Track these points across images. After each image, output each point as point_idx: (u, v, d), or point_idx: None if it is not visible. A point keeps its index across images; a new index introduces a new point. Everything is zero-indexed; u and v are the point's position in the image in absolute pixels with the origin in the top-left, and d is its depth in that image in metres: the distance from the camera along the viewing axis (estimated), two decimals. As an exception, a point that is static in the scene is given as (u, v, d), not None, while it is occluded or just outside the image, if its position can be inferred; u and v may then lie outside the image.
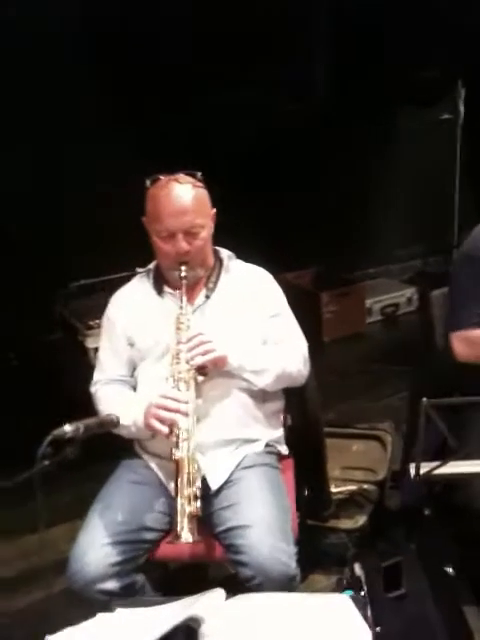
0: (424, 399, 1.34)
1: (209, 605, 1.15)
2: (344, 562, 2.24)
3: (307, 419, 2.10)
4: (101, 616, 1.24)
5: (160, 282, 1.97)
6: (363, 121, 3.99)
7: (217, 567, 2.27)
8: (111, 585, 1.68)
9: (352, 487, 2.47)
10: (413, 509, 2.34)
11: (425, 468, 1.37)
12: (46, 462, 1.25)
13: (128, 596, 1.72)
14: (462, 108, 4.68)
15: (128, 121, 3.48)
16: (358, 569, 2.16)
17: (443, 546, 2.06)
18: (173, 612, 1.15)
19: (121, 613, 1.25)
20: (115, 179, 3.31)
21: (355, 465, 2.61)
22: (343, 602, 1.22)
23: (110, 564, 1.69)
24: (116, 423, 1.63)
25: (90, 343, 3.10)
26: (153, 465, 1.90)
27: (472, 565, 1.90)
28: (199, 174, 1.91)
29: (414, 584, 2.05)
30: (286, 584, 1.62)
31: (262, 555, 1.62)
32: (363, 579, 2.05)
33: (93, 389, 1.99)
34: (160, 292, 1.96)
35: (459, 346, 2.05)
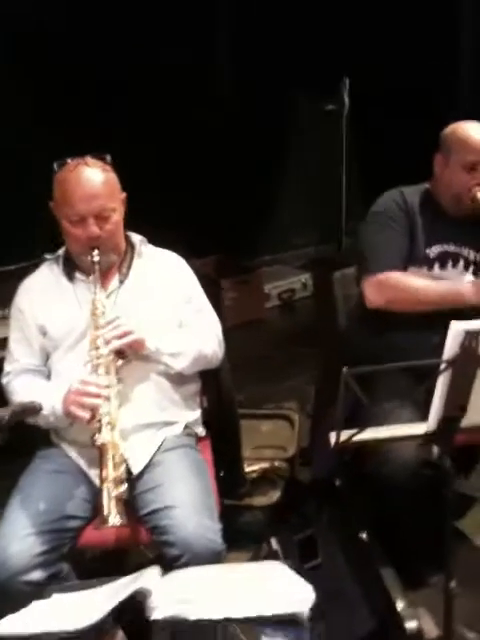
0: (344, 368, 1.40)
1: (151, 580, 1.16)
2: (260, 539, 2.32)
3: (222, 400, 2.14)
4: (39, 603, 1.22)
5: (71, 268, 1.94)
6: (261, 112, 4.08)
7: (135, 554, 2.28)
8: (36, 575, 1.65)
9: (264, 465, 2.54)
10: (324, 482, 2.44)
11: (344, 436, 1.44)
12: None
13: (54, 584, 1.70)
14: (347, 99, 4.85)
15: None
16: (274, 544, 2.23)
17: (355, 514, 2.17)
18: (115, 590, 1.16)
19: (58, 598, 1.24)
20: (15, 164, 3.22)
21: (265, 444, 2.68)
22: (277, 566, 1.27)
23: (34, 554, 1.65)
24: (39, 409, 1.60)
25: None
26: (72, 453, 1.87)
27: (385, 529, 2.01)
28: (108, 157, 1.90)
29: (329, 553, 2.15)
30: (213, 560, 1.64)
31: (188, 533, 1.64)
32: (280, 553, 2.14)
33: (4, 380, 1.94)
34: (71, 278, 1.93)
35: (371, 290, 2.12)
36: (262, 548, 2.26)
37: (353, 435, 1.44)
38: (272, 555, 2.12)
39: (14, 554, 1.64)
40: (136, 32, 3.69)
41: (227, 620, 0.99)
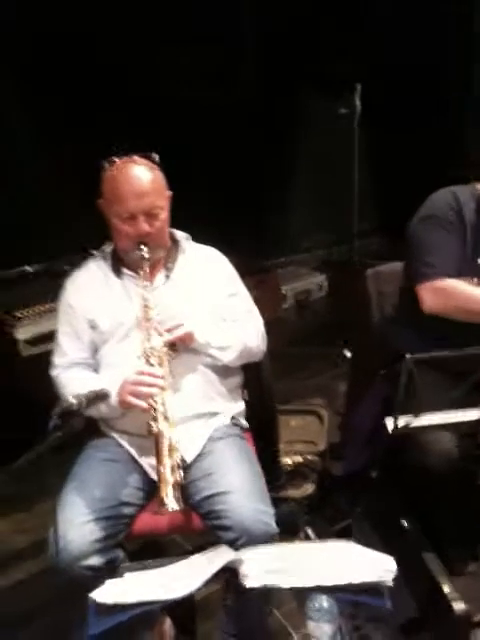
0: (407, 355, 1.45)
1: (229, 554, 1.21)
2: (296, 530, 2.37)
3: (262, 393, 2.19)
4: (113, 582, 1.27)
5: (118, 264, 1.99)
6: (278, 115, 4.15)
7: (173, 546, 2.32)
8: (95, 561, 1.69)
9: (298, 458, 2.59)
10: (356, 475, 2.50)
11: (402, 421, 1.49)
12: (59, 433, 1.26)
13: (111, 571, 1.74)
14: (358, 103, 4.91)
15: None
16: (311, 534, 2.29)
17: (395, 504, 2.22)
18: (199, 564, 1.20)
19: (133, 576, 1.29)
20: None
21: (296, 439, 2.73)
22: (349, 544, 1.32)
23: (93, 540, 1.70)
24: (108, 396, 1.65)
25: (20, 334, 3.04)
26: (124, 442, 1.92)
27: (427, 518, 2.06)
28: (156, 156, 1.96)
29: (366, 543, 2.21)
30: (269, 543, 1.70)
31: (245, 517, 1.69)
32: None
33: (54, 373, 1.98)
34: (119, 274, 1.98)
35: (429, 296, 2.10)
36: (299, 538, 2.32)
37: (409, 421, 1.49)
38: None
39: (73, 540, 1.68)
40: (155, 32, 3.75)
41: (319, 588, 1.04)
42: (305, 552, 1.24)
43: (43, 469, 1.50)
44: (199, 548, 1.94)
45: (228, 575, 1.12)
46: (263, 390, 2.18)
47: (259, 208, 4.42)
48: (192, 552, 1.82)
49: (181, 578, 1.15)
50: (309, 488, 2.53)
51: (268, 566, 1.12)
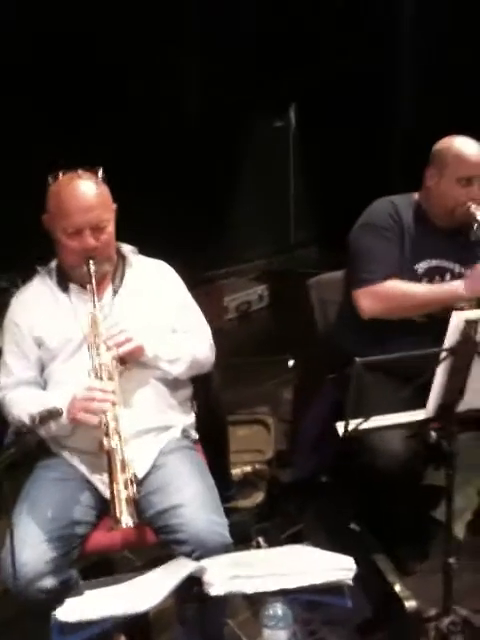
0: (356, 359, 1.49)
1: (189, 565, 1.21)
2: (248, 539, 2.38)
3: (211, 404, 2.20)
4: (74, 600, 1.25)
5: (64, 280, 1.98)
6: (219, 130, 4.20)
7: (121, 563, 2.30)
8: (49, 582, 1.67)
9: (246, 468, 2.61)
10: (305, 481, 2.54)
11: (352, 425, 1.53)
12: (12, 451, 1.24)
13: (65, 591, 1.72)
14: (293, 117, 5.03)
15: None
16: (263, 543, 2.31)
17: (345, 507, 2.27)
18: (161, 576, 1.21)
19: (93, 594, 1.28)
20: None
21: (243, 448, 2.75)
22: (305, 547, 1.34)
23: (46, 561, 1.68)
24: (61, 413, 1.64)
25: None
26: (74, 461, 1.90)
27: (377, 519, 2.11)
28: (100, 170, 1.95)
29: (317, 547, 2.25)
30: (226, 552, 1.71)
31: (199, 529, 1.70)
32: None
33: (0, 394, 1.95)
34: (65, 290, 1.97)
35: (366, 301, 2.17)
36: (251, 547, 2.34)
37: (359, 424, 1.53)
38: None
39: (27, 562, 1.65)
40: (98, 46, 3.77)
41: (282, 591, 1.05)
42: (265, 558, 1.25)
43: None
44: (149, 563, 1.94)
45: (191, 584, 1.12)
46: (212, 401, 2.20)
47: (199, 220, 4.43)
48: (143, 567, 1.82)
49: (143, 591, 1.15)
50: (259, 497, 2.55)
51: (230, 573, 1.13)
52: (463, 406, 1.55)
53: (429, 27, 4.34)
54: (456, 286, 2.15)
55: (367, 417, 1.55)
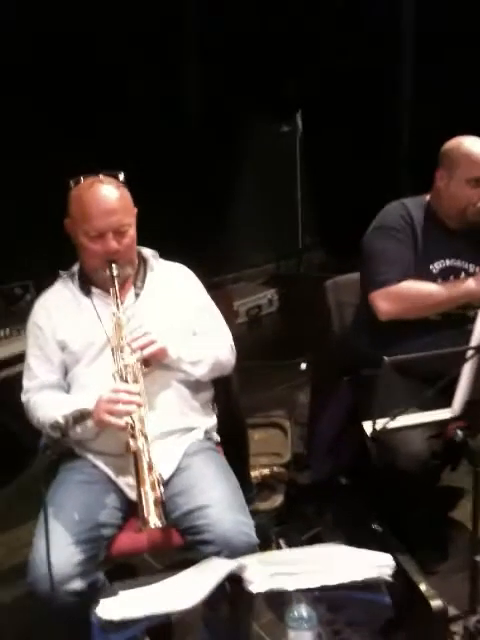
0: (385, 358, 1.50)
1: (227, 563, 1.22)
2: (268, 541, 2.39)
3: (231, 407, 2.21)
4: (110, 600, 1.26)
5: (86, 283, 1.99)
6: (225, 135, 4.22)
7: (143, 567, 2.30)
8: (77, 585, 1.68)
9: (265, 471, 2.61)
10: (323, 483, 2.54)
11: (380, 424, 1.54)
12: (48, 452, 1.25)
13: (93, 594, 1.72)
14: (300, 122, 5.05)
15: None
16: (283, 545, 2.32)
17: (363, 508, 2.27)
18: (199, 574, 1.21)
19: (128, 594, 1.28)
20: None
21: (260, 451, 2.76)
22: (339, 545, 1.35)
23: (74, 563, 1.68)
24: (91, 414, 1.65)
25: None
26: (99, 463, 1.90)
27: (399, 520, 2.12)
28: (121, 174, 1.97)
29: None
30: (252, 553, 1.72)
31: (226, 529, 1.71)
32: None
33: (25, 398, 1.95)
34: (87, 293, 1.98)
35: (383, 303, 2.18)
36: (271, 549, 2.34)
37: (387, 423, 1.54)
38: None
39: (55, 565, 1.65)
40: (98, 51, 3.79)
41: (323, 588, 1.06)
42: (300, 556, 1.26)
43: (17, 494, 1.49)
44: (170, 567, 1.94)
45: (231, 583, 1.13)
46: (232, 404, 2.21)
47: (207, 225, 4.45)
48: (165, 571, 1.83)
49: (182, 590, 1.16)
50: (277, 500, 2.55)
51: (271, 570, 1.14)
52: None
53: (430, 27, 4.37)
54: (471, 284, 2.17)
55: (394, 416, 1.55)
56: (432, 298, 2.18)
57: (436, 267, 2.25)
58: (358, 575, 1.10)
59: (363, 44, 4.60)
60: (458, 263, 2.27)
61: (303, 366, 3.61)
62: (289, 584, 1.09)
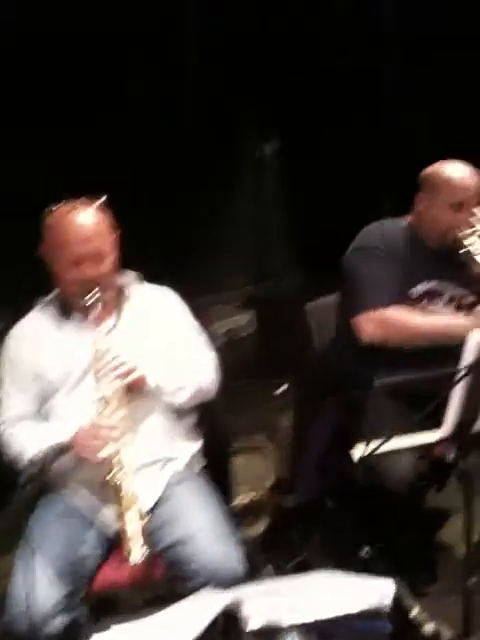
0: (375, 380, 1.48)
1: (221, 597, 1.18)
2: (255, 570, 2.34)
3: (216, 432, 2.17)
4: (101, 636, 1.21)
5: (65, 310, 1.94)
6: (198, 154, 4.22)
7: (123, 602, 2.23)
8: (60, 620, 1.64)
9: (248, 496, 2.57)
10: (309, 508, 2.50)
11: (370, 448, 1.52)
12: (29, 487, 1.21)
13: (76, 629, 1.67)
14: (275, 146, 5.06)
15: None
16: (271, 572, 2.27)
17: (351, 532, 2.24)
18: (197, 605, 1.17)
19: (121, 628, 1.23)
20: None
21: (243, 477, 2.71)
22: (331, 573, 1.31)
23: (57, 599, 1.64)
24: (70, 447, 1.60)
25: None
26: (79, 496, 1.85)
27: (388, 542, 2.09)
28: (103, 198, 1.94)
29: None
30: (238, 585, 1.67)
31: (213, 561, 1.67)
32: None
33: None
34: (66, 321, 1.93)
35: (367, 327, 2.15)
36: (258, 578, 2.29)
37: (379, 446, 1.51)
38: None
39: (38, 600, 1.61)
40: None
41: (320, 621, 1.03)
42: (296, 586, 1.22)
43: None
44: (153, 600, 1.89)
45: (226, 618, 1.09)
46: (217, 428, 2.17)
47: (182, 248, 4.43)
48: (147, 605, 1.77)
49: (176, 625, 1.12)
50: (262, 526, 2.51)
51: (267, 604, 1.10)
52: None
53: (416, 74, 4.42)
54: (461, 323, 2.14)
55: (385, 439, 1.53)
56: (419, 330, 2.16)
57: (418, 289, 2.24)
58: (360, 605, 1.06)
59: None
60: (438, 285, 2.26)
61: (283, 388, 3.58)
62: (289, 618, 1.05)
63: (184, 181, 4.32)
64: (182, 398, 1.93)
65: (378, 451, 1.52)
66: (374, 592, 1.12)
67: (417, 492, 1.98)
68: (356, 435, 1.99)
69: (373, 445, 1.52)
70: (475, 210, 2.20)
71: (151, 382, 1.86)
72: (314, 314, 2.48)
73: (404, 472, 1.91)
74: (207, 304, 4.70)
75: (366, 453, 1.50)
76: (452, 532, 2.51)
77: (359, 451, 1.52)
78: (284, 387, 3.57)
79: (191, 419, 2.04)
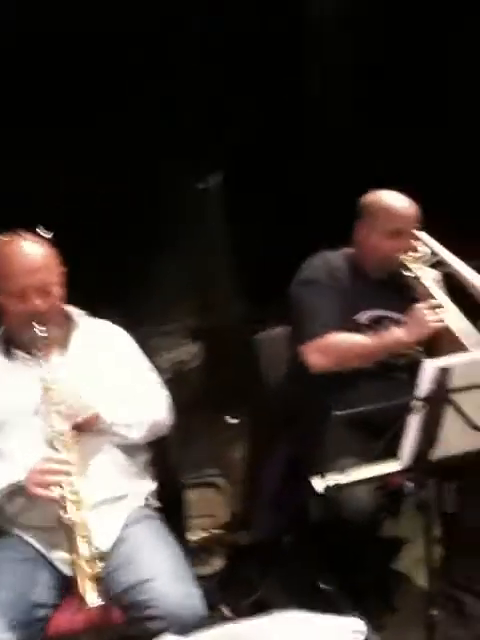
0: (333, 412, 1.47)
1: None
2: (211, 609, 2.28)
3: (169, 469, 2.12)
4: None
5: (10, 346, 1.88)
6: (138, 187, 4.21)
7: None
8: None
9: (202, 534, 2.51)
10: (265, 543, 2.46)
11: (332, 480, 1.50)
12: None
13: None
14: (218, 178, 5.08)
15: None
16: (227, 612, 2.22)
17: (308, 567, 2.21)
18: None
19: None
20: None
21: (197, 513, 2.65)
22: (298, 612, 1.28)
23: (8, 652, 1.55)
24: (22, 488, 1.53)
25: None
26: (30, 539, 1.77)
27: (344, 575, 2.06)
28: (48, 234, 1.89)
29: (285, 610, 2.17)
30: (202, 625, 1.62)
31: (173, 603, 1.61)
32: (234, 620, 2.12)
33: None
34: (11, 356, 1.87)
35: (314, 356, 2.17)
36: (214, 618, 2.23)
37: (340, 479, 1.50)
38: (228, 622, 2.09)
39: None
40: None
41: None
42: (262, 630, 1.18)
43: None
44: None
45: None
46: (170, 466, 2.12)
47: (124, 280, 4.38)
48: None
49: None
50: (218, 563, 2.45)
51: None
52: (437, 454, 1.54)
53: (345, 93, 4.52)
54: (398, 334, 2.18)
55: (345, 471, 1.52)
56: (362, 349, 2.19)
57: (362, 318, 2.26)
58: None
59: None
60: (383, 312, 2.28)
61: (233, 421, 3.54)
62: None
63: (125, 213, 4.30)
64: (138, 434, 1.88)
65: (341, 483, 1.50)
66: (347, 633, 1.09)
67: (375, 523, 1.96)
68: (312, 468, 1.99)
69: (334, 477, 1.50)
70: (417, 234, 2.26)
71: (105, 418, 1.80)
72: (263, 345, 2.47)
73: (363, 503, 1.90)
74: (150, 336, 4.65)
75: (332, 485, 1.47)
76: (407, 562, 2.51)
77: (320, 484, 1.50)
78: (235, 420, 3.54)
79: (145, 457, 1.99)
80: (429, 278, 2.20)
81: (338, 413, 1.46)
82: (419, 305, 2.15)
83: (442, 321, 2.08)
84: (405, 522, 2.50)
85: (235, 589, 2.35)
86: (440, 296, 2.17)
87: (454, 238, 2.37)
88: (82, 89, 3.80)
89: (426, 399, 1.45)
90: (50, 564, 1.75)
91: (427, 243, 2.25)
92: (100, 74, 3.84)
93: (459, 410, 1.49)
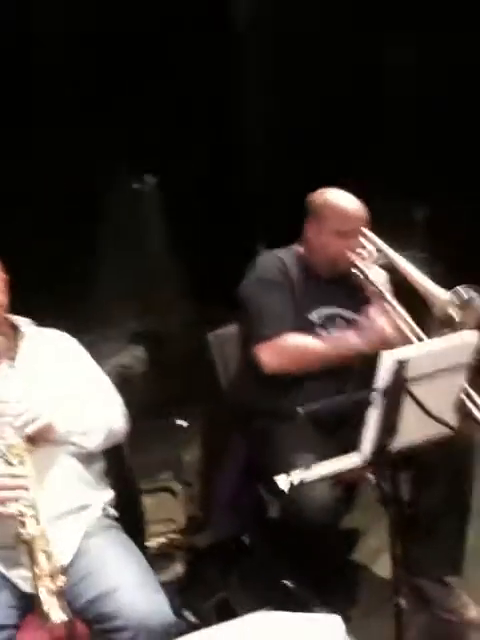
0: (299, 409, 1.46)
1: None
2: (175, 614, 2.26)
3: (125, 477, 2.08)
4: None
5: (-47, 359, 1.81)
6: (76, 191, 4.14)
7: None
8: None
9: (160, 539, 2.48)
10: (224, 544, 2.45)
11: (296, 477, 1.49)
12: None
13: None
14: (152, 179, 5.05)
15: None
16: (191, 617, 2.20)
17: (269, 565, 2.20)
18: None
19: None
20: None
21: (153, 519, 2.61)
22: (271, 613, 1.27)
23: (-30, 680, 1.49)
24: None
25: None
26: (-12, 555, 1.71)
27: (305, 570, 2.07)
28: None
29: (248, 610, 2.16)
30: (170, 632, 1.60)
31: (140, 612, 1.58)
32: (199, 624, 2.10)
33: None
34: (-44, 370, 1.80)
35: (267, 357, 2.16)
36: (179, 624, 2.20)
37: (303, 476, 1.49)
38: (193, 628, 2.07)
39: None
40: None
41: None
42: (237, 634, 1.17)
43: None
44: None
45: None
46: (125, 473, 2.08)
47: (64, 286, 4.29)
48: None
49: None
50: (178, 569, 2.42)
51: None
52: (398, 444, 1.56)
53: (275, 94, 4.54)
54: (352, 340, 2.19)
55: (308, 467, 1.52)
56: (316, 353, 2.18)
57: (314, 316, 2.27)
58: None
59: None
60: (335, 310, 2.29)
61: (183, 424, 3.51)
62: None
63: (63, 213, 4.22)
64: (94, 442, 1.83)
65: (306, 480, 1.50)
66: (325, 630, 1.08)
67: (334, 517, 1.97)
68: (268, 466, 1.99)
69: (299, 474, 1.50)
70: (365, 232, 2.27)
71: (60, 427, 1.76)
72: (217, 345, 2.45)
73: (323, 499, 1.90)
74: (94, 341, 4.56)
75: (296, 482, 1.47)
76: (364, 552, 2.54)
77: (284, 481, 1.49)
78: (184, 422, 3.51)
79: (101, 465, 1.94)
80: (378, 277, 2.20)
81: (302, 410, 1.45)
82: (372, 311, 2.16)
83: (397, 326, 2.07)
84: (359, 513, 2.55)
85: (196, 592, 2.33)
86: (387, 296, 2.18)
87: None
88: (18, 89, 3.73)
89: (385, 391, 1.46)
90: (9, 583, 1.69)
91: (375, 242, 2.26)
92: (35, 74, 3.77)
93: (416, 400, 1.51)
